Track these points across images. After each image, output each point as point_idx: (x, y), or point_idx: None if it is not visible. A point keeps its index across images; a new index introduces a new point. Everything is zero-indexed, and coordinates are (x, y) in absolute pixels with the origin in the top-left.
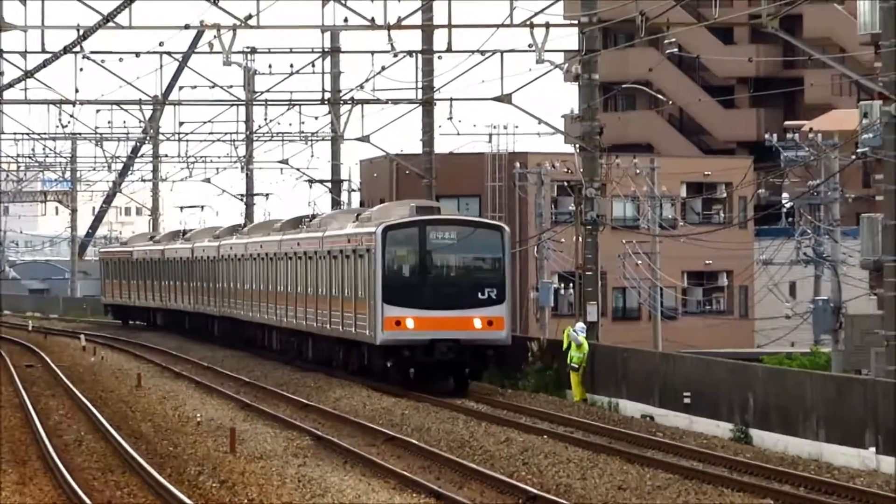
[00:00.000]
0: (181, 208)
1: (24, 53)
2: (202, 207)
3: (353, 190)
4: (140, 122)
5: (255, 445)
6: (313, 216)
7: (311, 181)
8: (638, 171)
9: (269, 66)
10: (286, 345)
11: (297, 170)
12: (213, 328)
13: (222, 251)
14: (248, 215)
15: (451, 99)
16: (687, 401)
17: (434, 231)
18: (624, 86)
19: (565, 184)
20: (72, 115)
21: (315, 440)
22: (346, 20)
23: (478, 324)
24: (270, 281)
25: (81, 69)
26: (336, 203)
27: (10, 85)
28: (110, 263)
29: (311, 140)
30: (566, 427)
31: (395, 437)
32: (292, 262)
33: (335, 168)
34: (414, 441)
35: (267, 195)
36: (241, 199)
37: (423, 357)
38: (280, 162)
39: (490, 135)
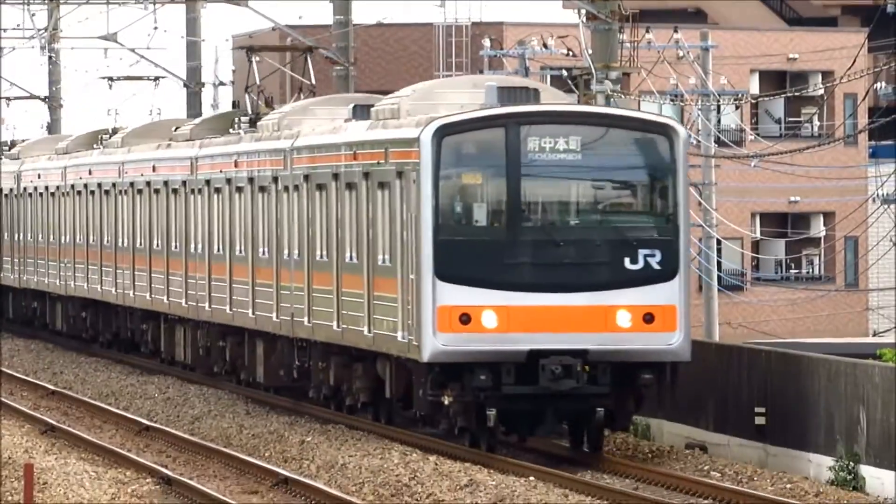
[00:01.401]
0: None
1: None
2: None
3: (221, 83)
4: None
5: (64, 491)
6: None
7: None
8: (682, 54)
9: None
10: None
11: (132, 51)
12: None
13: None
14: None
15: None
16: (759, 421)
17: (537, 134)
18: None
19: (563, 73)
20: None
21: (164, 483)
22: None
23: (625, 318)
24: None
25: None
26: (194, 105)
27: None
28: None
29: (154, 3)
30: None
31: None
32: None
33: (192, 48)
34: None
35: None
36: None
37: (515, 384)
38: (103, 38)
39: None
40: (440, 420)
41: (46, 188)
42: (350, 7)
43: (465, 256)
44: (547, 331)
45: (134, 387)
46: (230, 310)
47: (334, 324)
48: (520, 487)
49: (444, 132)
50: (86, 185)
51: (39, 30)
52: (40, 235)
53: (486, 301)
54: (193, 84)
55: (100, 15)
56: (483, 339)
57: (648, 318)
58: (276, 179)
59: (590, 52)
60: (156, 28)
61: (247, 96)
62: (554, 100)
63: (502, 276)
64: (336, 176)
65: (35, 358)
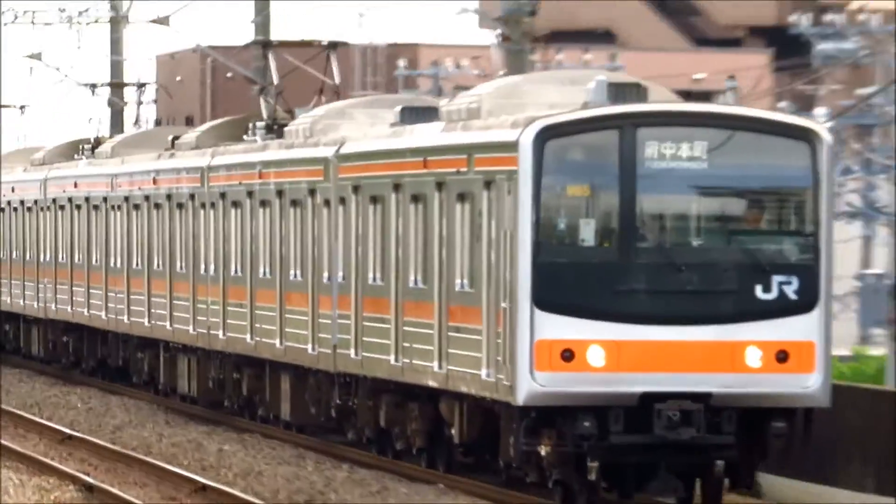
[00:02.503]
0: None
1: None
2: None
3: (142, 103)
4: None
5: None
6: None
7: (93, 87)
8: None
9: None
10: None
11: (57, 69)
12: None
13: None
14: None
15: None
16: None
17: (656, 138)
18: None
19: None
20: None
21: (86, 490)
22: None
23: (755, 357)
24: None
25: None
26: (117, 123)
27: None
28: None
29: (79, 23)
30: None
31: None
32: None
33: (116, 67)
34: None
35: (22, 108)
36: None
37: (625, 433)
38: (30, 57)
39: (361, 15)
40: (531, 471)
41: (22, 202)
42: (269, 24)
43: (569, 282)
44: (663, 370)
45: (57, 397)
46: (251, 339)
47: (392, 357)
48: None
49: (547, 135)
50: (70, 199)
51: None
52: (14, 253)
53: (593, 335)
54: (119, 100)
55: (28, 34)
56: (588, 380)
57: (782, 356)
58: (312, 192)
59: (502, 72)
60: (79, 47)
61: (262, 100)
62: (663, 98)
63: (613, 305)
64: (398, 187)
65: None
